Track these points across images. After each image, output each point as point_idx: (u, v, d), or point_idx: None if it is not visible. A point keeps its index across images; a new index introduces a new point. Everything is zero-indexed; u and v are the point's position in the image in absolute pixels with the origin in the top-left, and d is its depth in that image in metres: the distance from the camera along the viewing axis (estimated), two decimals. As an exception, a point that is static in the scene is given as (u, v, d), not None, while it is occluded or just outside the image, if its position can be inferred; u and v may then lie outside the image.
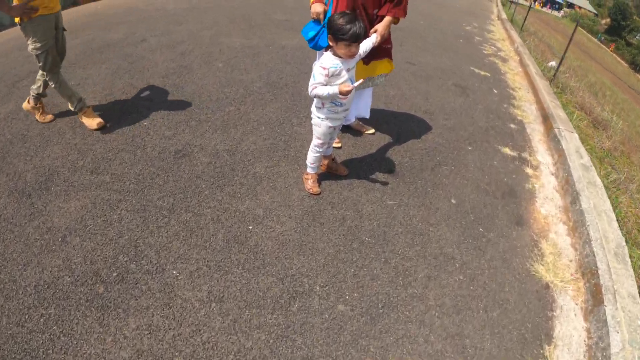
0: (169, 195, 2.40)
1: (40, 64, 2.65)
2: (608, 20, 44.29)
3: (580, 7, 46.98)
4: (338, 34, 1.97)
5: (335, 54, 2.07)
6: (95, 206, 2.27)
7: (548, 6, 42.66)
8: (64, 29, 2.80)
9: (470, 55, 6.17)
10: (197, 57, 4.32)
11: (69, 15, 6.70)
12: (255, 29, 5.59)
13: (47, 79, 2.75)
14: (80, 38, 4.97)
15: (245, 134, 3.03)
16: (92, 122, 2.91)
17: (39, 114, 2.97)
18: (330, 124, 2.27)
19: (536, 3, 32.99)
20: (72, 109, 2.94)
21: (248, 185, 2.53)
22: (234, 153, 2.80)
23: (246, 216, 2.31)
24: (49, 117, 3.00)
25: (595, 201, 2.71)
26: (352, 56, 2.07)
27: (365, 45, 2.30)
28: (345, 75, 2.10)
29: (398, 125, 3.51)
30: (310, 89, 2.09)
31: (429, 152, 3.20)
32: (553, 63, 6.74)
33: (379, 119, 3.49)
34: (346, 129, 3.24)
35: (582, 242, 2.43)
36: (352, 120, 3.20)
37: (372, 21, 2.61)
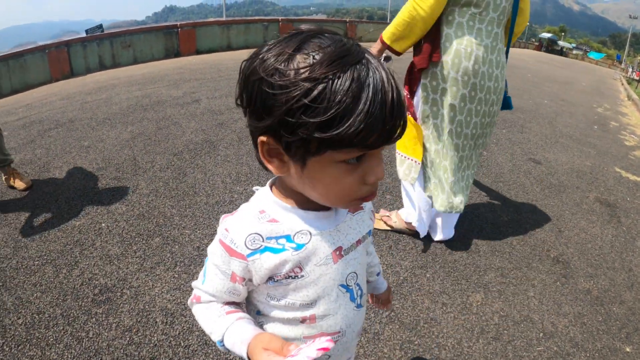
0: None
1: None
2: None
3: None
4: (298, 113, 0.45)
5: (288, 197, 0.59)
6: None
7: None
8: None
9: (610, 150, 4.45)
10: (235, 131, 3.43)
11: (164, 65, 6.76)
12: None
13: None
14: (142, 91, 4.72)
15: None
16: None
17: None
18: None
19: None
20: None
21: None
22: (173, 322, 1.55)
23: None
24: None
25: None
26: (356, 196, 0.54)
27: None
28: (325, 275, 0.60)
29: (506, 299, 1.93)
30: (189, 300, 0.66)
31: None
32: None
33: (461, 271, 2.01)
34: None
35: None
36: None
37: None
